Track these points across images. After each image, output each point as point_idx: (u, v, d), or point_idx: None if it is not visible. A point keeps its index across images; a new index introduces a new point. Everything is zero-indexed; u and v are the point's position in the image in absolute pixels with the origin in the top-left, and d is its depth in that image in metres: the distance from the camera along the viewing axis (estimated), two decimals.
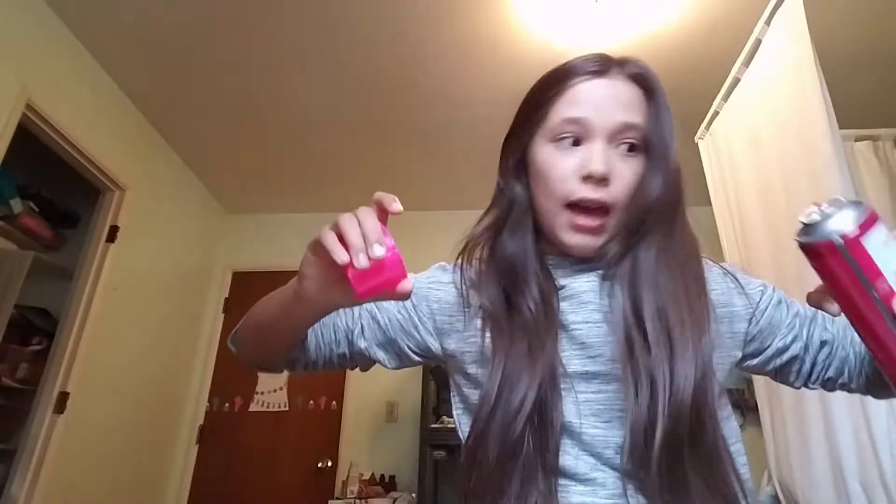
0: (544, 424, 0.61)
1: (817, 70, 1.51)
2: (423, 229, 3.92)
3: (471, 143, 3.17)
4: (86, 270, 2.65)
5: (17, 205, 2.76)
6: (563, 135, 0.68)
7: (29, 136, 2.29)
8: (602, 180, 0.65)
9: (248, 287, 3.80)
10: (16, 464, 2.32)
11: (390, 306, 0.75)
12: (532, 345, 0.63)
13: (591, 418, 0.63)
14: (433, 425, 3.07)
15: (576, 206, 0.66)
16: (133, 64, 2.61)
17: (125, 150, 2.83)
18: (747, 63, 1.90)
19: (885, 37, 2.40)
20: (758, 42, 1.82)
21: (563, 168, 0.67)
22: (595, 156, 0.65)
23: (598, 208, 0.66)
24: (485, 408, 0.62)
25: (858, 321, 0.48)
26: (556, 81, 0.70)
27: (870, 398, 0.74)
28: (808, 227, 0.47)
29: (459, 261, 0.74)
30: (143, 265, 3.04)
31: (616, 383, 0.63)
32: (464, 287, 0.73)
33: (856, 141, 2.08)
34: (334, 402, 3.52)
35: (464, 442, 0.66)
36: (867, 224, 0.46)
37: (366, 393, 3.49)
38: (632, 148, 0.67)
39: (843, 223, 0.46)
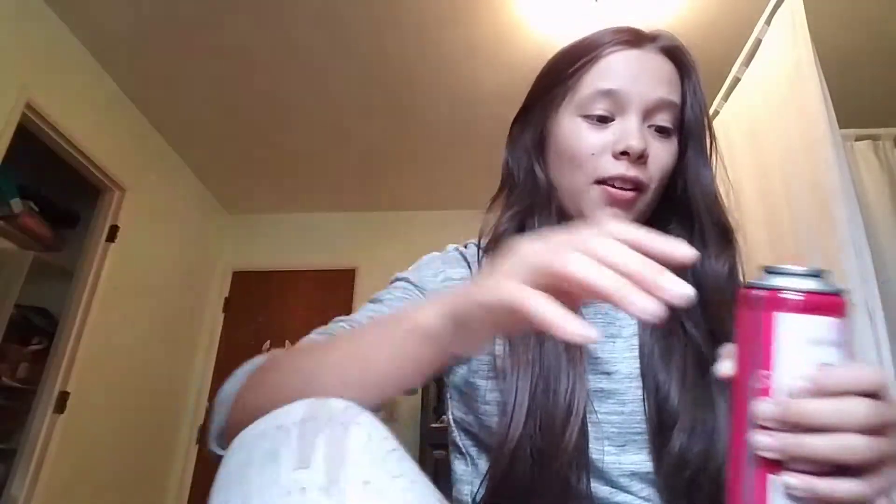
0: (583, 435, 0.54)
1: (817, 70, 1.51)
2: (424, 229, 3.92)
3: (473, 142, 3.17)
4: (86, 270, 2.65)
5: (17, 205, 2.76)
6: (595, 108, 0.62)
7: (29, 136, 2.29)
8: (639, 157, 0.60)
9: (248, 287, 3.80)
10: (16, 464, 2.32)
11: None
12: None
13: (605, 441, 0.56)
14: (433, 425, 3.06)
15: (606, 183, 0.61)
16: (133, 64, 2.61)
17: (125, 150, 2.83)
18: (747, 63, 1.90)
19: (885, 37, 2.40)
20: (758, 42, 1.82)
21: (593, 143, 0.61)
22: (632, 131, 0.60)
23: (631, 188, 0.61)
24: (520, 409, 0.54)
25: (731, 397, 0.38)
26: (585, 51, 0.64)
27: None
28: (765, 271, 0.39)
29: (480, 253, 0.68)
30: (143, 265, 3.04)
31: (632, 404, 0.57)
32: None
33: (856, 141, 2.07)
34: None
35: (495, 445, 0.57)
36: (814, 307, 0.35)
37: None
38: (663, 129, 0.62)
39: (792, 283, 0.36)
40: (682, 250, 0.33)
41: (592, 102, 0.62)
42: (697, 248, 0.55)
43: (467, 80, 2.70)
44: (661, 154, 0.62)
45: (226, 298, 3.80)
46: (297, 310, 3.73)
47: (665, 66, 0.63)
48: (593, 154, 0.61)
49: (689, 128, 0.64)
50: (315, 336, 0.60)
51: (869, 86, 2.61)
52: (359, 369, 0.43)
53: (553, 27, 2.34)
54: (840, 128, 1.49)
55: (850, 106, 1.93)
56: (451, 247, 0.75)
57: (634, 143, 0.59)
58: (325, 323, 0.63)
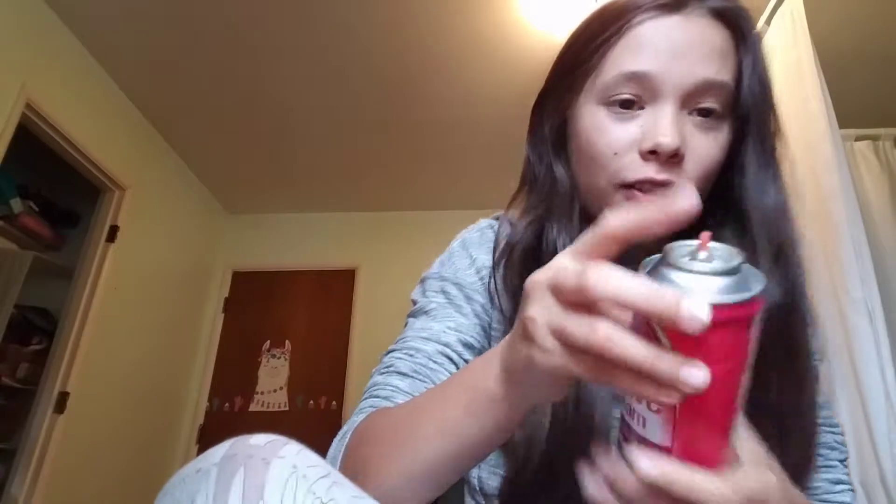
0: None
1: (817, 70, 1.51)
2: (424, 229, 3.92)
3: (473, 142, 3.17)
4: (86, 270, 2.65)
5: (17, 205, 2.76)
6: (620, 95, 0.51)
7: (29, 136, 2.29)
8: (672, 156, 0.49)
9: (248, 287, 3.80)
10: (16, 464, 2.32)
11: (470, 328, 0.58)
12: None
13: None
14: None
15: (633, 188, 0.51)
16: (133, 64, 2.61)
17: (125, 150, 2.83)
18: None
19: (885, 36, 2.40)
20: None
21: (617, 139, 0.51)
22: (663, 124, 0.48)
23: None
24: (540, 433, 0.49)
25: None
26: (611, 20, 0.52)
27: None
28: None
29: (496, 269, 0.59)
30: (143, 265, 3.04)
31: None
32: (497, 297, 0.59)
33: (856, 141, 2.08)
34: (334, 403, 3.52)
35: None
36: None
37: None
38: (709, 113, 0.50)
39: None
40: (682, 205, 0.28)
41: (617, 87, 0.51)
42: None
43: (468, 79, 2.70)
44: (703, 148, 0.50)
45: (226, 298, 3.80)
46: (297, 310, 3.73)
47: (713, 35, 0.50)
48: (616, 153, 0.51)
49: (746, 112, 0.51)
50: (380, 378, 0.56)
51: (869, 86, 2.61)
52: (451, 445, 0.40)
53: (555, 26, 2.34)
54: (840, 128, 1.49)
55: (850, 106, 1.93)
56: (483, 223, 0.67)
57: (665, 140, 0.48)
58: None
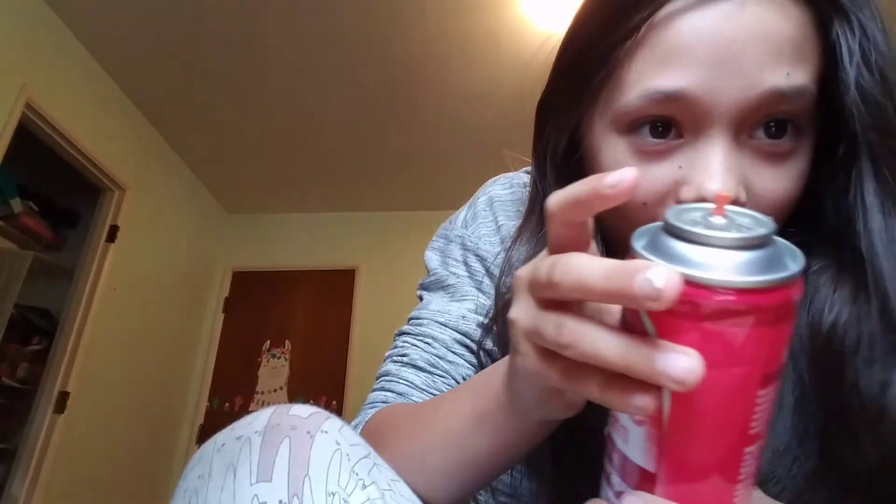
0: None
1: None
2: (424, 229, 3.90)
3: (473, 142, 3.17)
4: (86, 270, 2.65)
5: (17, 204, 2.75)
6: (648, 120, 0.37)
7: (29, 136, 2.29)
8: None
9: (248, 287, 3.80)
10: (16, 464, 2.32)
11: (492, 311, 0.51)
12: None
13: None
14: None
15: None
16: (133, 64, 2.60)
17: (125, 150, 2.83)
18: None
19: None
20: None
21: (647, 186, 0.37)
22: (712, 165, 0.35)
23: None
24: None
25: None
26: (626, 8, 0.36)
27: None
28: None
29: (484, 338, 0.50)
30: (143, 265, 3.04)
31: None
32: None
33: None
34: (334, 402, 3.52)
35: None
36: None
37: (366, 392, 3.43)
38: (781, 133, 0.36)
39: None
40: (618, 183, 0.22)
41: (643, 111, 0.37)
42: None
43: (468, 79, 2.69)
44: (771, 189, 0.36)
45: (226, 298, 3.80)
46: (297, 310, 3.73)
47: (779, 20, 0.34)
48: (646, 204, 0.38)
49: (857, 123, 0.35)
50: (393, 367, 0.53)
51: None
52: (459, 454, 0.37)
53: (558, 24, 2.34)
54: None
55: None
56: (517, 178, 0.57)
57: (713, 187, 0.34)
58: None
